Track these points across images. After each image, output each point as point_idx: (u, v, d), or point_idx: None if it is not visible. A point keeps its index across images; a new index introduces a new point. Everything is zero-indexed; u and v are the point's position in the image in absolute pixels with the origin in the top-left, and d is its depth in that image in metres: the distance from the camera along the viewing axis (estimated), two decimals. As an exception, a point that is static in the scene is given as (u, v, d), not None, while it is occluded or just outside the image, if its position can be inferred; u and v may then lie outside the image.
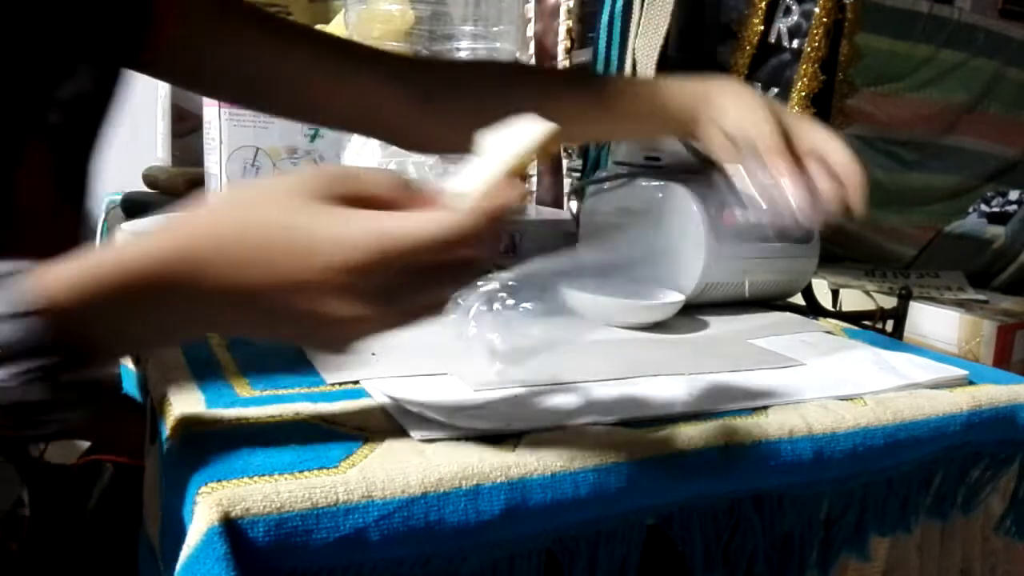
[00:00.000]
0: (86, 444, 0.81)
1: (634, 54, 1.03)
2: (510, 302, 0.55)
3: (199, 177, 1.18)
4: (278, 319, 0.36)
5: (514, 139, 0.38)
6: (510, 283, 0.56)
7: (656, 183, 0.77)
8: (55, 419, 0.36)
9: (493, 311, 0.53)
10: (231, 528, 0.34)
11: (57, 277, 0.35)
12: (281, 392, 0.48)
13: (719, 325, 0.70)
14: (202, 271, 0.35)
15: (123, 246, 0.37)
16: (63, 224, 0.53)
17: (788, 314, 0.76)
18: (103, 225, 1.32)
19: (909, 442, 0.52)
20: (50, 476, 0.75)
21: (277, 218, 0.35)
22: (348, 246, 0.34)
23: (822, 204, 0.53)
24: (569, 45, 1.16)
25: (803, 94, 1.00)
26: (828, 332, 0.70)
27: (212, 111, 1.10)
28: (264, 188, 0.37)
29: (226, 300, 0.36)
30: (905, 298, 0.84)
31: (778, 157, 0.53)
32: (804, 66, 1.00)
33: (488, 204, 0.36)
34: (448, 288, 0.38)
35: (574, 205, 1.08)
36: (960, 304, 1.06)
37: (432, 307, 0.38)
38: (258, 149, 1.10)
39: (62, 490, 0.75)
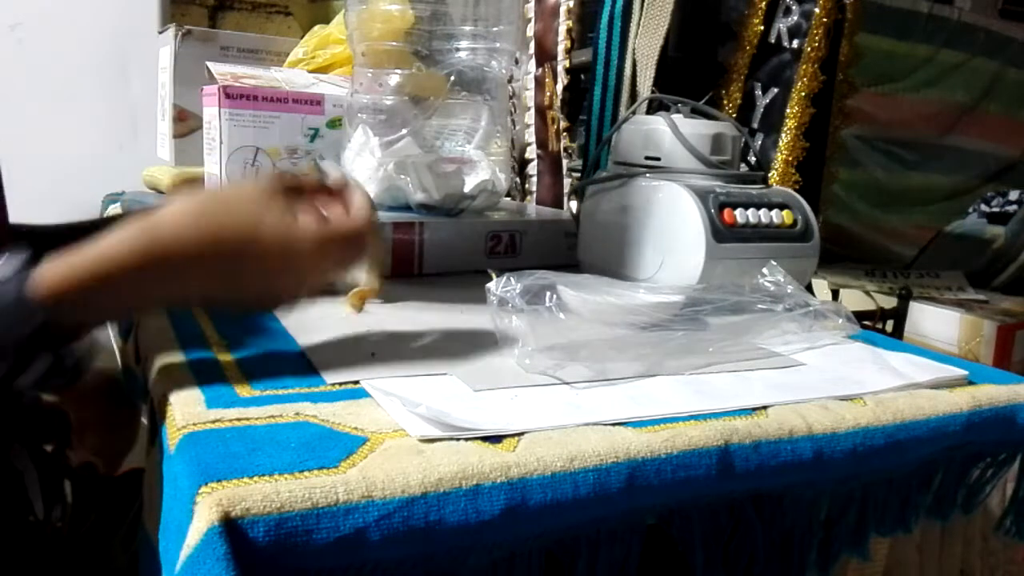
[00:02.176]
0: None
1: (634, 54, 1.03)
2: (520, 300, 0.55)
3: (199, 177, 1.18)
4: (238, 281, 0.48)
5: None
6: (517, 283, 0.56)
7: (656, 183, 0.77)
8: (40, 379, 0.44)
9: (510, 308, 0.54)
10: (231, 528, 0.34)
11: (53, 271, 0.44)
12: (281, 392, 0.48)
13: (719, 325, 0.70)
14: (172, 248, 0.46)
15: (103, 240, 0.45)
16: None
17: (788, 314, 0.75)
18: (103, 225, 1.32)
19: (909, 442, 0.52)
20: (94, 486, 0.76)
21: (238, 202, 0.48)
22: (296, 233, 0.48)
23: None
24: (569, 45, 1.16)
25: (803, 94, 1.00)
26: (828, 332, 0.70)
27: (212, 111, 1.10)
28: (230, 206, 0.49)
29: (192, 268, 0.47)
30: (905, 298, 0.84)
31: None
32: (804, 66, 1.00)
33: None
34: (346, 264, 0.54)
35: (574, 205, 1.08)
36: (960, 304, 1.06)
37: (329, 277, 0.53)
38: (258, 149, 1.10)
39: (106, 500, 0.75)
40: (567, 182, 1.16)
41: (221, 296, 0.50)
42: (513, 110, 1.19)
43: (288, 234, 0.48)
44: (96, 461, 0.77)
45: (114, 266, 0.45)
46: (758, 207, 0.76)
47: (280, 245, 0.48)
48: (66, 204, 1.04)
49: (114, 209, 1.26)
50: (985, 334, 0.97)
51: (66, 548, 0.70)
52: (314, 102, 1.14)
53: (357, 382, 0.50)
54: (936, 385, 0.57)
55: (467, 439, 0.42)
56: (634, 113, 0.88)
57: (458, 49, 0.92)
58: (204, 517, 0.34)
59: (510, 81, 1.10)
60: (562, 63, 1.17)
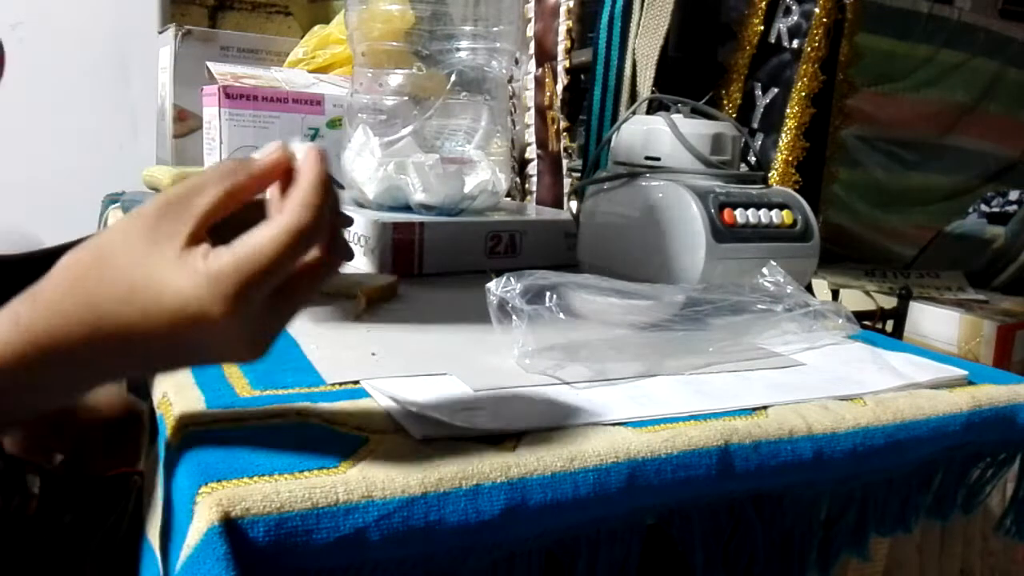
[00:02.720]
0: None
1: (634, 54, 1.03)
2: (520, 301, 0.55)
3: (199, 177, 1.17)
4: (162, 364, 0.38)
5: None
6: (517, 283, 0.56)
7: (656, 183, 0.77)
8: None
9: (510, 308, 0.54)
10: (231, 528, 0.34)
11: None
12: (281, 392, 0.48)
13: (719, 325, 0.70)
14: (48, 346, 0.34)
15: None
16: None
17: (788, 314, 0.75)
18: (103, 226, 1.32)
19: (909, 442, 0.52)
20: (82, 489, 0.75)
21: (121, 279, 0.34)
22: (215, 296, 0.33)
23: None
24: (569, 45, 1.16)
25: (803, 94, 1.00)
26: (828, 332, 0.70)
27: (212, 111, 1.10)
28: (104, 244, 0.36)
29: (83, 362, 0.35)
30: (905, 298, 0.84)
31: None
32: (804, 66, 1.00)
33: (305, 191, 0.35)
34: (304, 298, 0.37)
35: (574, 205, 1.08)
36: (960, 304, 1.06)
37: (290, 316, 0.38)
38: (258, 149, 1.10)
39: (95, 503, 0.75)
40: (567, 182, 1.16)
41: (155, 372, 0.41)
42: (513, 110, 1.19)
43: (184, 294, 0.33)
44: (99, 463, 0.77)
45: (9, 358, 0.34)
46: (758, 207, 0.76)
47: (174, 314, 0.33)
48: (66, 204, 1.04)
49: (114, 209, 1.26)
50: (985, 334, 0.97)
51: (31, 541, 0.68)
52: (314, 102, 1.14)
53: (357, 382, 0.50)
54: (936, 385, 0.57)
55: (467, 439, 0.42)
56: (634, 113, 0.88)
57: (458, 49, 0.92)
58: (204, 517, 0.34)
59: (510, 81, 1.10)
60: (562, 63, 1.17)
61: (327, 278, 0.38)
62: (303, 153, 0.38)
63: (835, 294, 1.10)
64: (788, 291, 0.69)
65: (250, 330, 0.35)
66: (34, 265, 0.70)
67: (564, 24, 1.17)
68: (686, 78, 1.00)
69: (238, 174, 0.36)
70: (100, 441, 0.76)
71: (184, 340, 0.34)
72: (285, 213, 0.34)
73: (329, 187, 0.36)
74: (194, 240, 0.34)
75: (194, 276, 0.33)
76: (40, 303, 0.35)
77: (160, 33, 1.44)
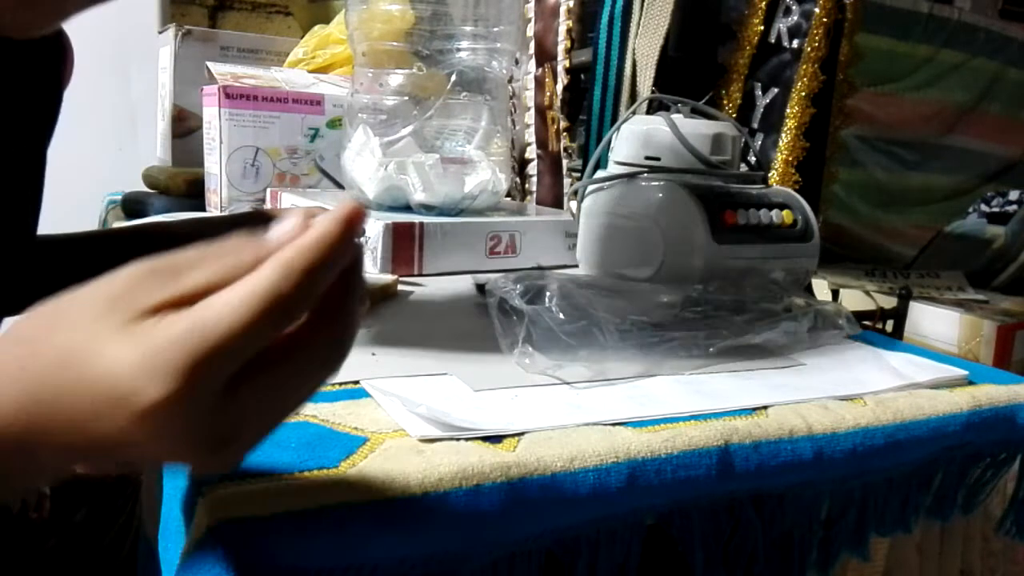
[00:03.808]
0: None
1: (634, 54, 1.03)
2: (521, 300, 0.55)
3: (199, 177, 1.18)
4: (113, 461, 0.31)
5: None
6: (517, 283, 0.56)
7: (656, 183, 0.77)
8: None
9: (510, 308, 0.54)
10: (231, 528, 0.34)
11: None
12: (281, 392, 0.47)
13: (719, 325, 0.70)
14: None
15: None
16: None
17: (788, 314, 0.75)
18: (103, 225, 1.32)
19: (909, 442, 0.52)
20: (90, 489, 0.75)
21: (62, 361, 0.27)
22: (152, 372, 0.25)
23: None
24: (569, 45, 1.16)
25: (803, 94, 1.00)
26: (828, 332, 0.70)
27: (212, 111, 1.10)
28: (64, 300, 0.29)
29: (37, 458, 0.29)
30: (905, 298, 0.84)
31: None
32: (804, 66, 1.00)
33: (296, 248, 0.27)
34: (285, 391, 0.29)
35: (574, 205, 1.08)
36: (960, 304, 1.06)
37: (290, 407, 0.29)
38: (258, 149, 1.10)
39: (104, 503, 0.75)
40: (567, 182, 1.16)
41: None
42: (513, 110, 1.19)
43: (117, 365, 0.26)
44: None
45: None
46: (758, 207, 0.76)
47: (102, 390, 0.26)
48: (66, 204, 1.04)
49: (114, 209, 1.26)
50: (985, 334, 0.97)
51: (47, 540, 0.68)
52: (314, 102, 1.14)
53: (357, 382, 0.50)
54: (936, 385, 0.57)
55: (467, 439, 0.42)
56: (634, 113, 0.88)
57: (458, 49, 0.92)
58: (204, 517, 0.34)
59: (510, 81, 1.10)
60: (562, 63, 1.17)
61: (320, 367, 0.29)
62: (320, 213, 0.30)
63: (835, 294, 1.10)
64: (788, 291, 0.69)
65: (201, 425, 0.26)
66: (81, 246, 0.70)
67: (564, 24, 1.17)
68: (686, 78, 1.00)
69: (243, 251, 0.28)
70: None
71: (118, 427, 0.26)
72: (261, 271, 0.27)
73: (337, 249, 0.28)
74: (156, 310, 0.27)
75: (136, 346, 0.26)
76: None
77: (160, 33, 1.44)
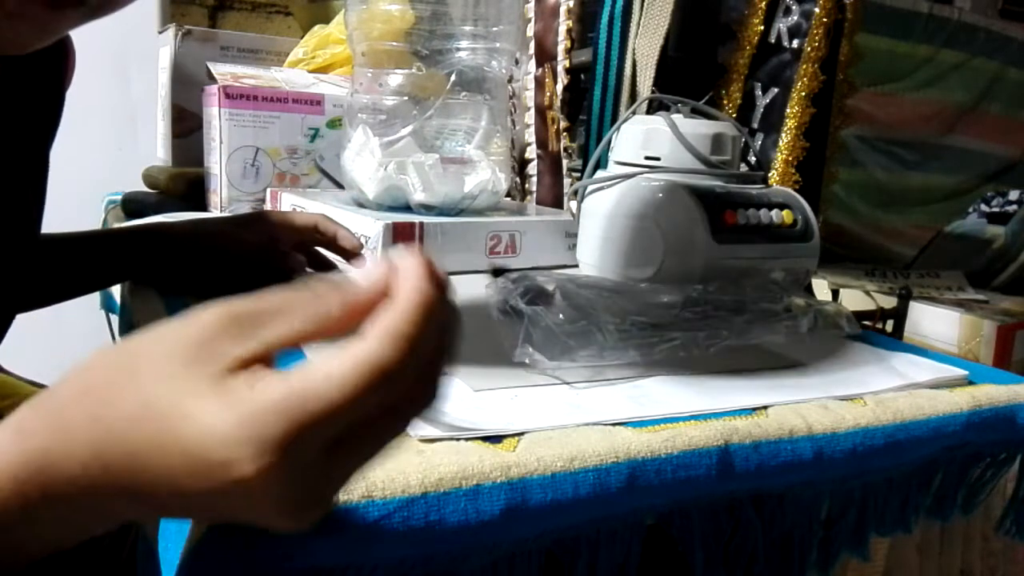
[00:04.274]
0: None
1: (634, 54, 1.03)
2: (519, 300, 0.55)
3: (199, 177, 1.18)
4: (193, 516, 0.30)
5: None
6: (517, 283, 0.56)
7: (656, 183, 0.77)
8: None
9: (510, 308, 0.54)
10: (231, 528, 0.34)
11: None
12: (281, 392, 0.47)
13: (719, 325, 0.70)
14: (57, 482, 0.27)
15: None
16: None
17: (788, 314, 0.75)
18: (103, 225, 1.32)
19: (909, 442, 0.52)
20: None
21: (141, 416, 0.26)
22: (248, 442, 0.24)
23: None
24: (569, 45, 1.16)
25: (803, 94, 1.00)
26: (828, 332, 0.70)
27: (212, 111, 1.10)
28: (132, 349, 0.28)
29: (113, 505, 0.28)
30: (905, 298, 0.84)
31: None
32: (804, 66, 1.00)
33: (398, 314, 0.26)
34: (375, 449, 0.29)
35: (574, 205, 1.08)
36: (960, 304, 1.06)
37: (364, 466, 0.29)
38: (258, 149, 1.10)
39: None
40: (567, 182, 1.16)
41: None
42: (513, 110, 1.19)
43: (212, 432, 0.25)
44: None
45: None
46: (758, 207, 0.76)
47: (193, 457, 0.25)
48: (66, 204, 1.04)
49: (114, 209, 1.26)
50: (985, 334, 0.97)
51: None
52: (314, 102, 1.14)
53: (357, 382, 0.50)
54: (936, 385, 0.57)
55: (467, 439, 0.42)
56: (634, 113, 0.88)
57: (458, 49, 0.92)
58: (204, 517, 0.34)
59: (510, 81, 1.10)
60: (562, 63, 1.17)
61: (410, 421, 0.29)
62: (406, 261, 0.29)
63: (835, 294, 1.10)
64: (788, 291, 0.69)
65: (295, 493, 0.25)
66: (88, 243, 0.71)
67: (564, 24, 1.17)
68: (686, 78, 1.00)
69: (330, 302, 0.27)
70: None
71: (201, 493, 0.25)
72: (367, 341, 0.26)
73: (435, 309, 0.27)
74: (244, 365, 0.26)
75: (230, 410, 0.25)
76: (43, 411, 0.28)
77: (160, 33, 1.44)
